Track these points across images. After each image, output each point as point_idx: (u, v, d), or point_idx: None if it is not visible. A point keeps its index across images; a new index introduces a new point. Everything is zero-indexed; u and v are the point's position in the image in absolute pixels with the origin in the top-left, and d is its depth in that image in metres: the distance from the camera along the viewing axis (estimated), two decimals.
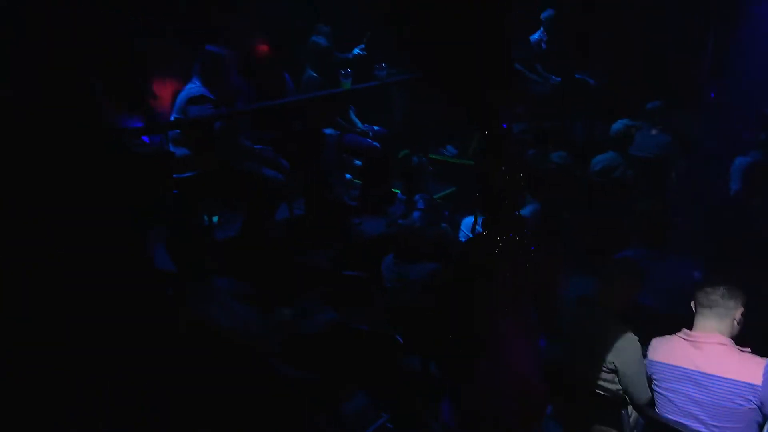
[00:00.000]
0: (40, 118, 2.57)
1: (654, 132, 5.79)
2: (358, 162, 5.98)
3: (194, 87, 4.22)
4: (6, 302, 2.49)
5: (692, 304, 2.74)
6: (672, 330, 2.83)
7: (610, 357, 2.84)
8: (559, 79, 6.94)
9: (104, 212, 3.30)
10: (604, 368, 2.86)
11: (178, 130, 4.28)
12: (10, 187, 2.51)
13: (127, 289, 3.51)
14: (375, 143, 5.31)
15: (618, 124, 5.40)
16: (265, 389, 2.99)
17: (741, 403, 2.51)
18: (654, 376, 2.76)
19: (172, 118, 4.30)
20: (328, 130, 5.18)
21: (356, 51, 5.64)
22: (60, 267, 2.98)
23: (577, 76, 7.01)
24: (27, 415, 2.44)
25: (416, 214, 4.07)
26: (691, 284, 2.94)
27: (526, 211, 3.97)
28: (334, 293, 3.58)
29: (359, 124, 5.47)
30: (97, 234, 3.20)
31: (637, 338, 2.86)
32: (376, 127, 5.53)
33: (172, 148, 4.30)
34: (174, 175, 4.24)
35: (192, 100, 4.16)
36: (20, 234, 2.54)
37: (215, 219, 4.87)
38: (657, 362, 2.74)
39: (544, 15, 7.03)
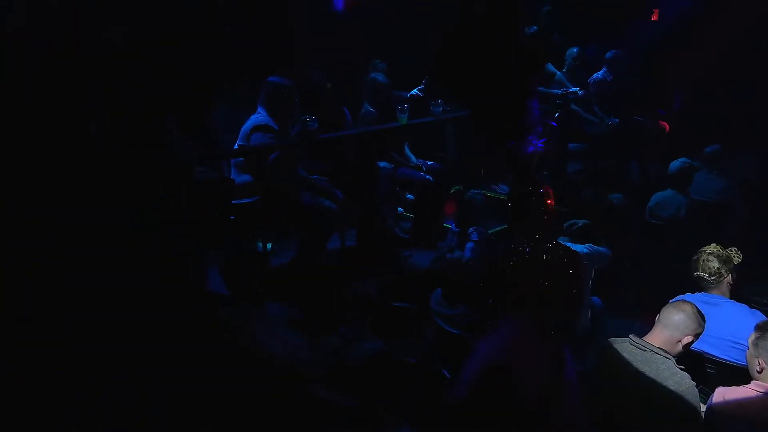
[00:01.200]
0: (119, 153, 2.71)
1: (713, 176, 5.63)
2: (410, 196, 6.01)
3: (260, 116, 4.36)
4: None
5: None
6: (730, 379, 2.71)
7: (666, 403, 2.72)
8: (617, 120, 6.84)
9: (167, 235, 3.41)
10: (659, 415, 2.74)
11: (241, 158, 4.41)
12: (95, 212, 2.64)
13: (180, 310, 3.61)
14: (428, 177, 5.33)
15: (677, 162, 5.30)
16: (307, 415, 2.99)
17: None
18: (719, 428, 2.63)
19: (236, 147, 4.43)
20: (382, 163, 5.24)
21: (415, 91, 5.71)
22: (123, 288, 3.10)
23: (637, 118, 6.91)
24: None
25: (468, 246, 4.05)
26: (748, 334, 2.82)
27: (585, 249, 3.88)
28: (383, 324, 3.57)
29: (413, 158, 5.52)
30: (155, 254, 3.31)
31: (694, 384, 2.74)
32: (429, 162, 5.56)
33: (234, 175, 4.42)
34: (233, 201, 4.36)
35: (257, 128, 4.30)
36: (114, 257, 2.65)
37: (269, 246, 4.96)
38: (722, 412, 2.61)
39: (608, 55, 6.96)
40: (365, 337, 3.41)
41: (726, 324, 3.22)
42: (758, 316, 3.26)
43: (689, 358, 2.95)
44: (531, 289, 3.20)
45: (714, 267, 3.38)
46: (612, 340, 3.02)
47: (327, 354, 3.28)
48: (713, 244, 3.48)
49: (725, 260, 3.41)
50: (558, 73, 6.82)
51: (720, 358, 3.23)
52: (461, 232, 4.52)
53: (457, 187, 6.12)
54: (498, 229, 5.75)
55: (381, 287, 4.53)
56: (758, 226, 5.31)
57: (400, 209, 5.81)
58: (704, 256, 3.42)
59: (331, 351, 3.29)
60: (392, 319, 3.68)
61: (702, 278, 3.42)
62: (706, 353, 3.23)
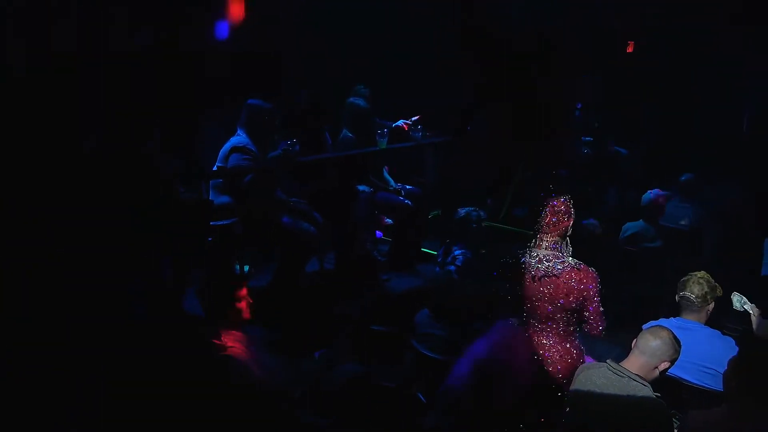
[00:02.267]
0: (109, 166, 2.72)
1: (685, 204, 5.76)
2: (389, 220, 6.03)
3: (239, 138, 4.38)
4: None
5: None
6: (703, 403, 2.74)
7: (639, 427, 2.75)
8: (589, 150, 6.97)
9: (147, 256, 3.40)
10: None
11: (220, 179, 4.40)
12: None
13: (153, 331, 3.57)
14: (407, 201, 5.37)
15: (649, 194, 5.39)
16: None
17: None
18: None
19: (215, 168, 4.43)
20: (361, 187, 5.26)
21: (400, 122, 5.68)
22: (94, 306, 3.07)
23: (616, 148, 7.06)
24: None
25: (453, 267, 4.08)
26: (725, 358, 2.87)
27: None
28: (362, 347, 3.56)
29: (392, 183, 5.55)
30: (134, 272, 3.29)
31: (671, 413, 2.77)
32: (408, 186, 5.60)
33: (212, 196, 4.41)
34: (212, 223, 4.34)
35: (234, 149, 4.30)
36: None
37: (246, 268, 4.93)
38: None
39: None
40: (344, 359, 3.38)
41: (699, 349, 3.26)
42: (729, 342, 3.33)
43: (664, 383, 2.98)
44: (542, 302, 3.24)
45: (702, 291, 3.42)
46: (589, 364, 3.04)
47: (305, 376, 3.26)
48: (703, 272, 3.53)
49: (712, 288, 3.46)
50: None
51: (693, 383, 3.27)
52: (446, 251, 4.52)
53: (436, 212, 6.16)
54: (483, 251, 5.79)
55: (360, 310, 4.53)
56: (732, 252, 5.41)
57: (379, 233, 5.83)
58: (695, 279, 3.45)
59: (309, 373, 3.27)
60: (372, 342, 3.67)
61: (688, 299, 3.44)
62: (680, 378, 3.28)
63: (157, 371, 2.68)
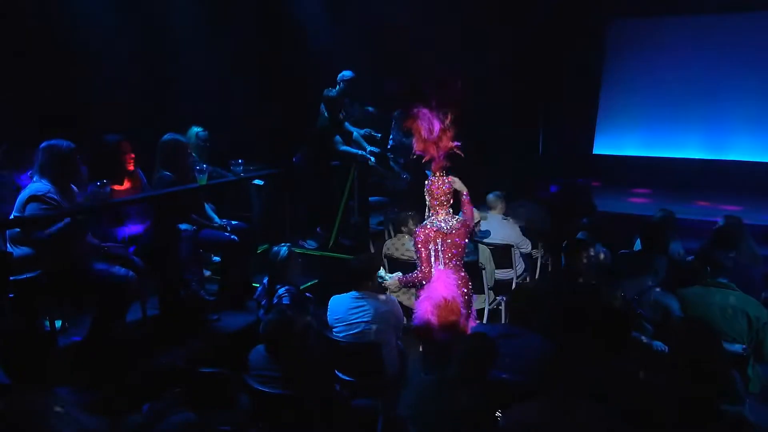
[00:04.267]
0: None
1: (500, 218, 6.23)
2: (216, 257, 5.85)
3: (38, 185, 3.97)
4: None
5: None
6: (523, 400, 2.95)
7: None
8: (409, 176, 7.33)
9: None
10: None
11: (17, 229, 3.98)
12: None
13: None
14: (233, 237, 5.25)
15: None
16: None
17: None
18: None
19: (11, 217, 4.00)
20: (183, 226, 5.05)
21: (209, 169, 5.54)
22: None
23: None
24: None
25: (284, 304, 4.05)
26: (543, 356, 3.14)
27: None
28: (192, 393, 3.38)
29: (216, 219, 5.40)
30: None
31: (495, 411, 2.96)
32: (234, 222, 5.48)
33: (9, 248, 3.98)
34: (11, 278, 3.91)
35: (33, 198, 3.90)
36: None
37: (58, 323, 4.50)
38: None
39: (395, 114, 7.45)
40: (173, 410, 3.19)
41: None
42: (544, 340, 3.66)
43: (489, 386, 3.18)
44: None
45: None
46: (421, 378, 3.18)
47: None
48: None
49: None
50: (355, 132, 7.16)
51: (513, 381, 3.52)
52: (269, 290, 4.50)
53: (264, 246, 6.09)
54: (307, 284, 5.81)
55: (188, 355, 4.32)
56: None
57: (206, 272, 5.63)
58: None
59: (137, 429, 3.04)
60: (202, 387, 3.50)
61: None
62: (503, 378, 3.52)
63: None
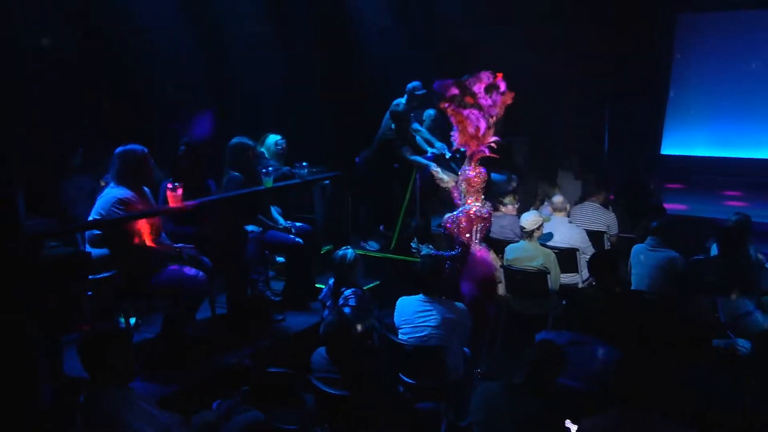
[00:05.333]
0: None
1: (565, 221, 6.10)
2: (280, 258, 5.95)
3: (120, 191, 4.11)
4: None
5: None
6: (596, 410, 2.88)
7: None
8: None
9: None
10: None
11: (96, 231, 4.15)
12: None
13: (35, 399, 3.30)
14: (297, 239, 5.33)
15: (526, 215, 5.65)
16: None
17: None
18: None
19: (90, 219, 4.17)
20: (250, 227, 5.16)
21: (285, 169, 5.69)
22: None
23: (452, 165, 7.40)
24: None
25: (346, 310, 4.08)
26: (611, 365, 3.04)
27: None
28: (259, 392, 3.45)
29: (281, 221, 5.49)
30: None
31: (565, 420, 2.89)
32: (298, 224, 5.56)
33: (88, 249, 4.15)
34: (90, 276, 4.08)
35: (120, 203, 4.05)
36: None
37: (132, 321, 4.67)
38: None
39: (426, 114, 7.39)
40: (241, 408, 3.26)
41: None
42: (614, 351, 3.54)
43: (559, 394, 3.12)
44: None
45: None
46: (487, 384, 3.14)
47: (203, 430, 3.11)
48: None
49: None
50: (418, 137, 7.08)
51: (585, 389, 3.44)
52: (335, 292, 4.54)
53: (328, 246, 6.16)
54: (369, 286, 5.84)
55: (255, 354, 4.40)
56: None
57: (271, 273, 5.73)
58: None
59: (206, 426, 3.12)
60: (269, 386, 3.57)
61: None
62: (573, 387, 3.44)
63: None
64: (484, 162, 5.36)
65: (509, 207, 6.49)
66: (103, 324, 4.07)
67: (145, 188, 4.38)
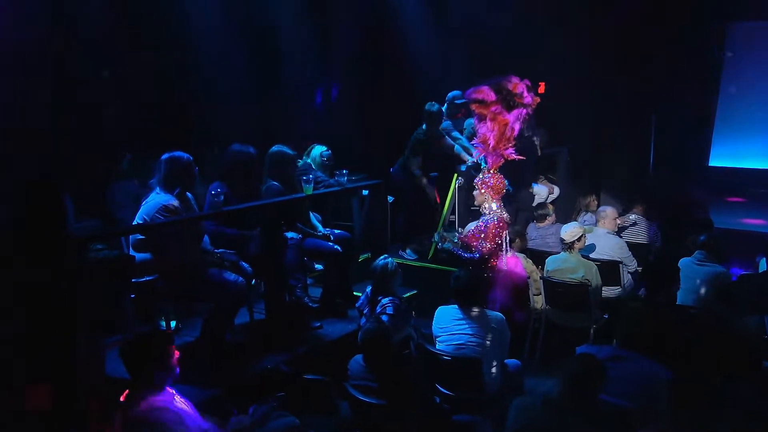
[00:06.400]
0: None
1: (606, 232, 5.98)
2: (318, 266, 5.97)
3: (166, 197, 4.20)
4: None
5: None
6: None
7: None
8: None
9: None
10: None
11: (139, 235, 4.24)
12: None
13: (76, 398, 3.37)
14: (336, 247, 5.34)
15: (568, 226, 5.56)
16: None
17: None
18: None
19: (134, 223, 4.27)
20: (289, 234, 5.20)
21: (332, 181, 5.70)
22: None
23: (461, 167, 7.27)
24: None
25: (384, 319, 4.07)
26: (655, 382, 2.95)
27: None
28: (296, 398, 3.46)
29: (320, 228, 5.51)
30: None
31: None
32: (337, 231, 5.58)
33: (132, 252, 4.24)
34: (132, 280, 4.16)
35: (166, 209, 4.12)
36: None
37: (173, 324, 4.74)
38: None
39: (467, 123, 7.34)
40: (276, 413, 3.27)
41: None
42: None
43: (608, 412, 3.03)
44: None
45: None
46: (525, 399, 3.08)
47: None
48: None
49: None
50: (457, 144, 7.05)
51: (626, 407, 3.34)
52: (372, 298, 4.53)
53: (366, 254, 6.16)
54: (406, 295, 5.81)
55: (292, 360, 4.42)
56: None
57: (309, 280, 5.76)
58: None
59: (241, 431, 3.14)
60: (305, 393, 3.57)
61: None
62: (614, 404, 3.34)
63: None
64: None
65: (550, 217, 6.41)
66: (144, 326, 4.15)
67: (188, 194, 4.46)
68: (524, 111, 5.24)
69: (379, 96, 8.03)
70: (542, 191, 7.45)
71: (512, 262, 5.36)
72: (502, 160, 5.37)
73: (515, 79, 5.22)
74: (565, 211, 7.28)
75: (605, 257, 5.76)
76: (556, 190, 7.70)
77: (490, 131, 5.24)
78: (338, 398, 3.69)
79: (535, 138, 6.86)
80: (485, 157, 5.44)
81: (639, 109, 8.78)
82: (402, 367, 3.62)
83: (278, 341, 4.70)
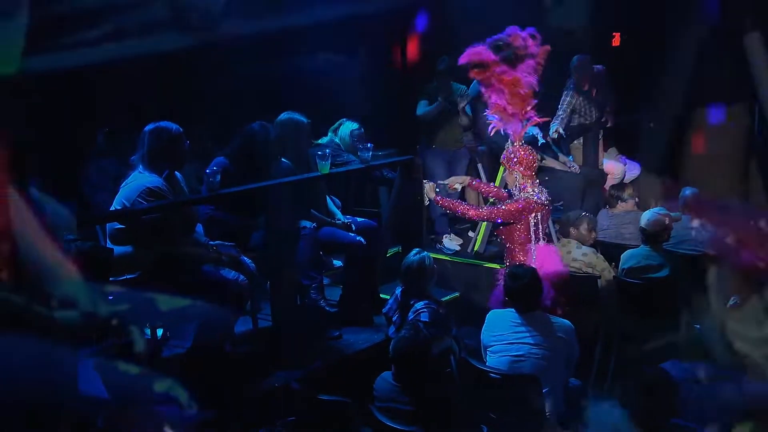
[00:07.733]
0: None
1: (695, 224, 5.90)
2: (337, 261, 5.99)
3: (151, 178, 4.21)
4: None
5: None
6: None
7: None
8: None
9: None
10: None
11: (117, 224, 4.27)
12: None
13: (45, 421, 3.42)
14: (359, 238, 5.33)
15: (649, 214, 5.50)
16: None
17: None
18: None
19: (112, 209, 4.30)
20: (301, 223, 5.21)
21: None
22: None
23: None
24: None
25: (421, 325, 4.07)
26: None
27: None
28: (309, 424, 3.50)
29: (340, 216, 5.52)
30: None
31: None
32: (359, 219, 5.57)
33: (110, 245, 4.28)
34: (110, 278, 4.21)
35: (150, 193, 4.15)
36: None
37: (159, 332, 4.79)
38: None
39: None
40: None
41: None
42: None
43: None
44: None
45: None
46: None
47: None
48: None
49: None
50: None
51: None
52: (403, 302, 4.53)
53: (396, 248, 6.15)
54: (445, 299, 5.80)
55: (304, 377, 4.45)
56: None
57: (326, 279, 5.78)
58: None
59: None
60: (320, 417, 3.60)
61: None
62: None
63: None
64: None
65: (628, 202, 6.33)
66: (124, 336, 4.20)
67: (178, 174, 4.49)
68: (532, 62, 5.13)
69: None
70: (617, 169, 7.36)
71: (543, 253, 5.04)
72: (534, 121, 5.23)
73: (514, 31, 5.14)
74: (645, 196, 7.20)
75: (697, 251, 5.67)
76: (635, 168, 7.61)
77: (501, 95, 5.17)
78: (361, 424, 3.70)
79: (604, 103, 6.78)
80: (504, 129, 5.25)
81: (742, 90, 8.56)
82: (441, 387, 3.64)
83: (288, 354, 4.73)
